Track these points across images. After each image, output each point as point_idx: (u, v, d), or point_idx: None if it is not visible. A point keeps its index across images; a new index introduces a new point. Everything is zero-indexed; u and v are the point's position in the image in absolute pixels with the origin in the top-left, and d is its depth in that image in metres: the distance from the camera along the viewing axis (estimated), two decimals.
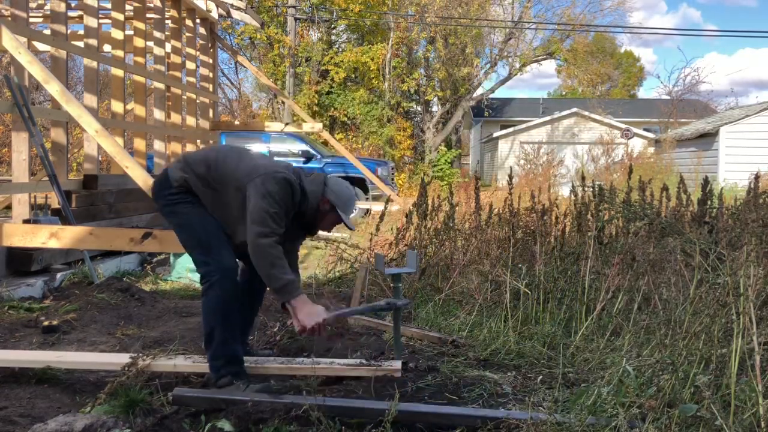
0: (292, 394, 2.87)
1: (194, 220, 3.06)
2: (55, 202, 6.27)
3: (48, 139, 6.90)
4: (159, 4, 9.11)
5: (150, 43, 9.30)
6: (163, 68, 9.33)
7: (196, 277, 6.21)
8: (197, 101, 10.74)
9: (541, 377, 3.13)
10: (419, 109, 27.65)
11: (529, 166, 16.62)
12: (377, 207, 10.83)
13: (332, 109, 24.12)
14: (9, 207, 8.33)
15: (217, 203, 3.06)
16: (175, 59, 9.96)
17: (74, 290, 5.26)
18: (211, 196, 3.06)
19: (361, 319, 4.15)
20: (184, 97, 10.77)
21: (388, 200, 6.27)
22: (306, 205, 3.08)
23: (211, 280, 2.98)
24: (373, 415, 2.53)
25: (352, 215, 3.21)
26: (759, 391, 2.21)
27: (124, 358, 3.16)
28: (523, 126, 26.58)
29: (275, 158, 15.25)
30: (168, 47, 9.54)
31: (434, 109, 27.52)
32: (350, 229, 3.19)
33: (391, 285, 3.44)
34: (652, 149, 21.61)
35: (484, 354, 3.49)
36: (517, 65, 25.67)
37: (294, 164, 3.84)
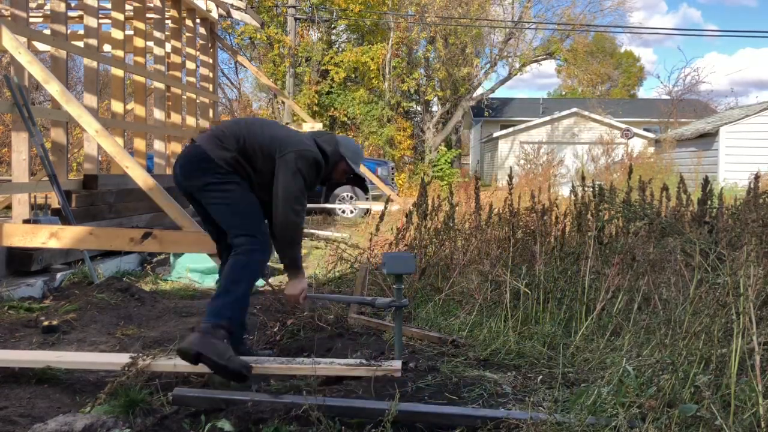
0: (292, 394, 2.87)
1: (238, 196, 3.16)
2: (55, 202, 6.27)
3: (48, 139, 6.90)
4: (159, 4, 9.11)
5: (150, 43, 9.31)
6: (163, 68, 9.33)
7: (196, 276, 6.26)
8: (197, 101, 10.74)
9: (541, 377, 3.13)
10: (419, 109, 27.66)
11: (529, 166, 16.63)
12: (377, 207, 10.83)
13: (332, 109, 24.12)
14: (9, 207, 8.33)
15: (258, 175, 3.21)
16: (175, 59, 9.96)
17: (74, 290, 5.26)
18: (251, 169, 3.20)
19: (360, 319, 4.15)
20: (184, 97, 10.77)
21: (388, 200, 6.27)
22: (328, 167, 3.38)
23: (252, 247, 3.11)
24: (373, 415, 2.53)
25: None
26: (759, 391, 2.22)
27: (124, 358, 3.15)
28: (523, 126, 26.58)
29: None
30: (168, 47, 9.54)
31: (434, 109, 27.52)
32: (358, 176, 3.54)
33: (393, 286, 3.44)
34: (652, 149, 21.62)
35: (484, 354, 3.49)
36: (517, 65, 25.69)
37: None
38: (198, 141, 3.27)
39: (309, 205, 13.58)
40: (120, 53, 8.20)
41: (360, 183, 3.62)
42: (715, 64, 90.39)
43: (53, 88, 5.60)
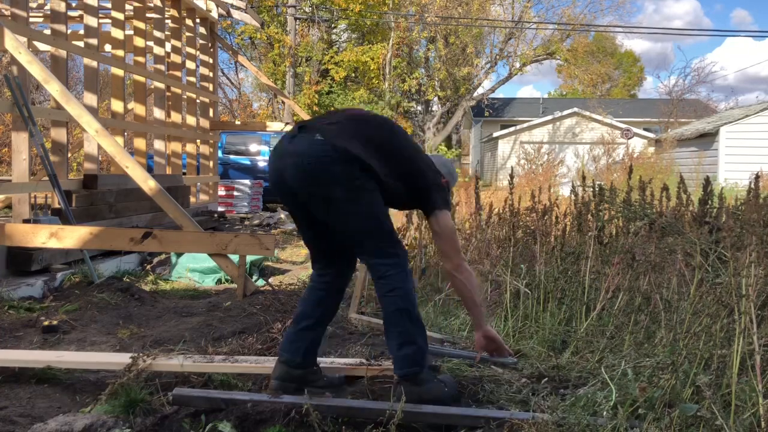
0: (292, 394, 2.87)
1: (379, 208, 2.76)
2: (55, 201, 6.27)
3: (48, 138, 6.90)
4: (159, 3, 9.11)
5: (150, 43, 9.31)
6: (163, 68, 9.33)
7: (196, 276, 6.25)
8: (197, 101, 10.74)
9: (542, 377, 3.13)
10: (420, 108, 27.67)
11: (529, 165, 16.63)
12: None
13: (332, 108, 24.12)
14: (9, 207, 8.33)
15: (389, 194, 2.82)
16: (175, 59, 9.96)
17: (74, 290, 5.26)
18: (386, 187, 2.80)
19: (361, 318, 4.16)
20: (184, 96, 10.77)
21: None
22: None
23: (401, 270, 2.73)
24: (374, 415, 2.53)
25: None
26: (759, 391, 2.21)
27: (124, 358, 3.15)
28: (524, 126, 26.58)
29: None
30: (168, 47, 9.54)
31: (434, 108, 27.54)
32: None
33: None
34: (652, 149, 21.62)
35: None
36: (518, 65, 25.70)
37: None
38: (341, 141, 2.68)
39: None
40: (120, 53, 8.20)
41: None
42: (727, 58, 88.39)
43: (53, 87, 5.59)
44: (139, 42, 8.93)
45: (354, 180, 2.65)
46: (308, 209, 2.78)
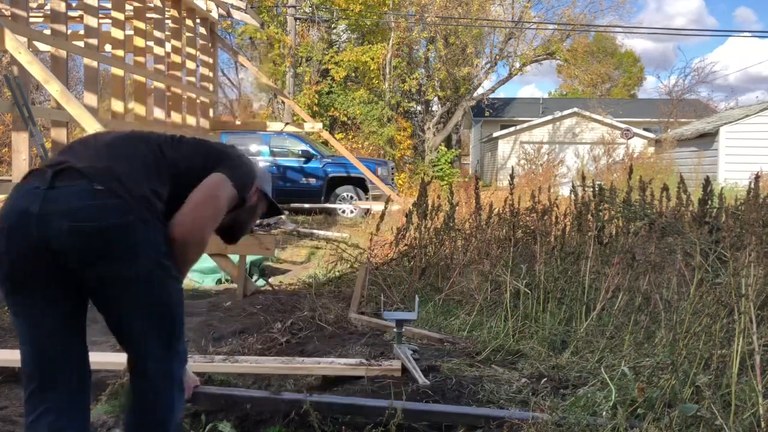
0: (292, 392, 2.87)
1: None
2: None
3: (48, 138, 6.90)
4: (159, 3, 9.11)
5: (150, 43, 9.31)
6: (163, 68, 9.33)
7: (196, 276, 6.25)
8: (197, 101, 10.74)
9: (541, 377, 3.13)
10: (419, 108, 27.67)
11: (529, 165, 16.63)
12: (377, 207, 10.83)
13: (332, 109, 24.11)
14: None
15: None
16: (175, 59, 9.96)
17: None
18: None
19: (361, 318, 4.16)
20: (184, 96, 10.77)
21: (388, 200, 6.27)
22: None
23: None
24: (374, 415, 2.53)
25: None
26: (759, 391, 2.21)
27: (124, 358, 3.14)
28: (524, 126, 26.57)
29: (276, 158, 15.06)
30: (168, 47, 9.55)
31: (434, 108, 27.54)
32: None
33: (394, 330, 3.38)
34: (652, 149, 21.62)
35: (484, 354, 3.49)
36: (518, 65, 25.69)
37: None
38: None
39: (310, 205, 13.65)
40: (120, 53, 8.20)
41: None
42: (730, 57, 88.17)
43: (53, 87, 5.59)
44: (139, 42, 8.93)
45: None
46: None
